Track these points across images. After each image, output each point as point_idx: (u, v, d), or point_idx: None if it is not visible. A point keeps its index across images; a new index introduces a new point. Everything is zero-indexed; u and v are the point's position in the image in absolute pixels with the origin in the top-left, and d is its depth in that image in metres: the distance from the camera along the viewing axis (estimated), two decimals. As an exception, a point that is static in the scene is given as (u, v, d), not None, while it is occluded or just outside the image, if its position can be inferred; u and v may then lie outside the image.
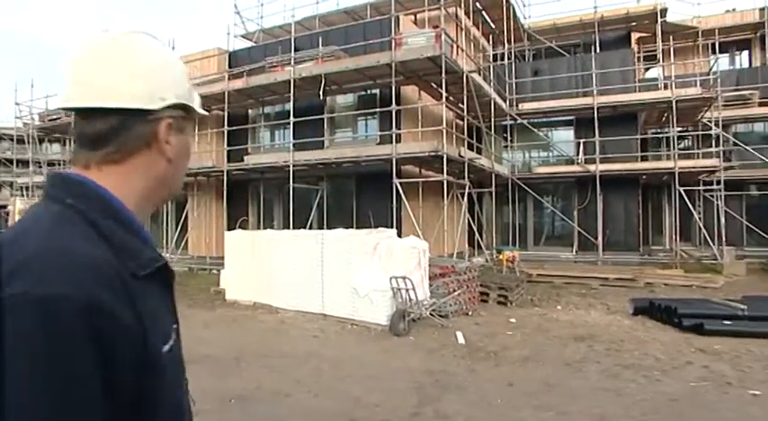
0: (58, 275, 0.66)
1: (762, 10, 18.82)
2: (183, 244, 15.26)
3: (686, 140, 17.73)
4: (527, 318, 8.38)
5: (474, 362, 5.99)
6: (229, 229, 12.01)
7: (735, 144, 16.82)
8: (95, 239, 0.73)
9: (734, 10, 20.02)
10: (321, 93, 12.33)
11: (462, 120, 13.58)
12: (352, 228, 10.45)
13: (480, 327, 7.76)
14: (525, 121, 16.15)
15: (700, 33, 18.11)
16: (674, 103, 14.30)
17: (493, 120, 14.67)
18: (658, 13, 16.83)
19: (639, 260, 14.61)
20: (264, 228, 13.16)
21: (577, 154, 15.76)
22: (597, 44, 17.34)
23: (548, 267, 13.32)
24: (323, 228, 11.78)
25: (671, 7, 17.53)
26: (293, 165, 12.47)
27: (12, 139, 21.82)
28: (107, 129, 0.82)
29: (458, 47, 12.89)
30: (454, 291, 8.54)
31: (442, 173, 11.10)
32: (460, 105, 12.96)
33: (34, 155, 20.51)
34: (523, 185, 15.90)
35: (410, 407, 4.65)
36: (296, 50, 12.92)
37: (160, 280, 0.82)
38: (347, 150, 12.55)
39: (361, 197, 13.24)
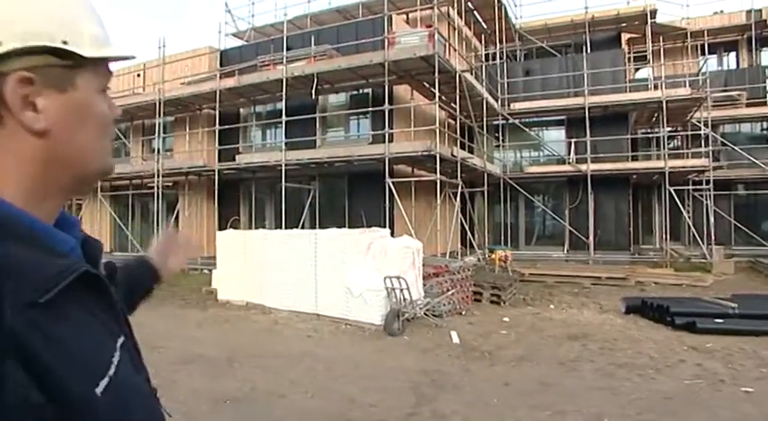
0: None
1: (748, 12, 19.06)
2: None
3: (675, 140, 17.89)
4: (520, 318, 8.40)
5: (469, 362, 5.99)
6: (221, 229, 11.93)
7: (723, 144, 17.00)
8: None
9: (721, 12, 20.23)
10: (313, 92, 12.28)
11: (454, 119, 13.59)
12: (344, 227, 10.40)
13: (474, 327, 7.76)
14: (517, 121, 16.21)
15: (688, 35, 18.29)
16: (664, 104, 14.42)
17: (485, 119, 14.69)
18: (648, 15, 16.97)
19: (630, 259, 14.71)
20: (256, 228, 13.07)
21: (569, 153, 15.83)
22: (588, 44, 17.45)
23: (540, 266, 13.37)
24: (315, 228, 11.74)
25: (660, 8, 17.69)
26: (285, 165, 12.41)
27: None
28: None
29: (450, 46, 12.90)
30: (448, 290, 8.54)
31: (435, 172, 11.09)
32: (453, 105, 12.97)
33: None
34: (515, 185, 15.95)
35: (406, 408, 4.63)
36: (288, 49, 12.86)
37: (85, 292, 0.61)
38: (339, 150, 12.52)
39: (353, 197, 13.21)
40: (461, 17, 15.43)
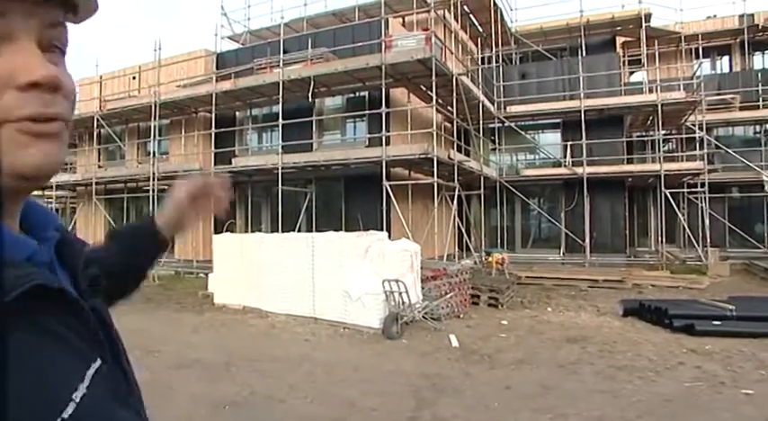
0: None
1: (741, 17, 19.24)
2: (169, 247, 15.00)
3: (670, 143, 17.99)
4: (518, 321, 8.39)
5: (469, 365, 5.96)
6: (216, 233, 11.85)
7: (717, 147, 17.12)
8: None
9: (714, 16, 20.42)
10: (310, 95, 12.26)
11: (451, 122, 13.63)
12: (341, 230, 10.37)
13: (473, 330, 7.74)
14: (513, 124, 16.24)
15: (682, 38, 18.42)
16: (659, 107, 14.49)
17: (481, 122, 14.71)
18: (643, 18, 17.08)
19: (626, 261, 14.76)
20: (252, 232, 13.03)
21: (564, 156, 15.88)
22: (583, 48, 17.53)
23: (536, 269, 13.38)
24: (311, 231, 11.69)
25: (655, 13, 17.81)
26: (282, 168, 12.37)
27: None
28: None
29: (447, 49, 12.92)
30: (446, 293, 8.51)
31: (432, 175, 11.09)
32: (449, 108, 13.00)
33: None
34: (511, 188, 15.97)
35: (407, 411, 4.60)
36: (284, 52, 12.84)
37: (42, 309, 0.48)
38: (336, 153, 12.49)
39: (349, 200, 13.18)
40: (457, 20, 15.48)
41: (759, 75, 18.25)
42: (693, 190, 15.07)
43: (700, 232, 14.62)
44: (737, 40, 19.43)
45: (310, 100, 12.65)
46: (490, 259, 12.42)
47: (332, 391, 5.16)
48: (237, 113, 15.31)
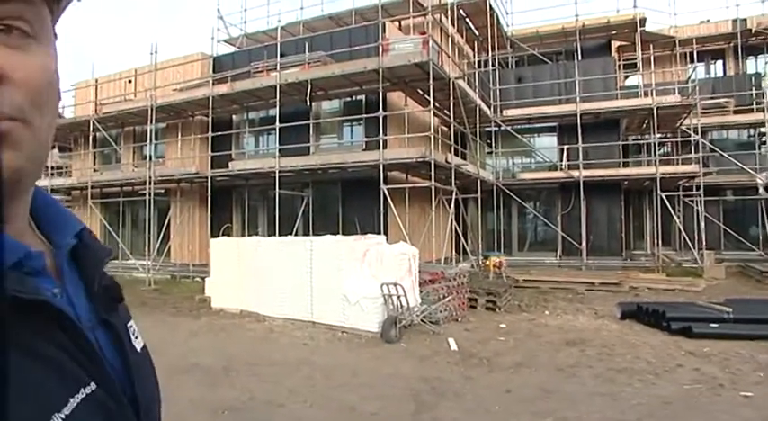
0: None
1: (734, 21, 19.42)
2: (165, 251, 14.98)
3: (666, 147, 18.09)
4: (516, 324, 8.39)
5: (468, 369, 5.96)
6: (213, 237, 11.83)
7: (712, 150, 17.23)
8: None
9: (708, 21, 20.59)
10: (307, 99, 12.26)
11: (448, 126, 13.65)
12: (338, 234, 10.36)
13: (471, 333, 7.74)
14: (509, 128, 16.30)
15: (677, 43, 18.57)
16: (654, 111, 14.58)
17: (477, 126, 14.76)
18: (637, 23, 17.22)
19: (622, 264, 14.81)
20: (249, 235, 12.99)
21: (561, 160, 15.94)
22: (579, 52, 17.65)
23: (534, 272, 13.40)
24: (309, 235, 11.68)
25: (649, 17, 17.97)
26: (279, 172, 12.35)
27: None
28: None
29: (444, 53, 12.96)
30: (444, 297, 8.51)
31: (429, 179, 11.10)
32: (446, 111, 13.02)
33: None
34: (508, 191, 16.01)
35: (407, 415, 4.59)
36: (281, 56, 12.84)
37: (26, 325, 0.44)
38: (333, 156, 12.48)
39: (346, 203, 13.17)
40: (454, 25, 15.53)
41: (752, 78, 18.41)
42: (689, 193, 15.16)
43: (695, 235, 14.70)
44: (731, 45, 19.62)
45: (307, 103, 12.65)
46: (487, 262, 12.45)
47: (331, 395, 5.14)
48: (234, 117, 15.29)
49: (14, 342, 0.41)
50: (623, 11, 18.07)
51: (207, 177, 13.74)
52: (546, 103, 16.11)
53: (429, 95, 11.24)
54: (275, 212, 12.50)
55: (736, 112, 17.70)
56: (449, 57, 13.29)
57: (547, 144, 17.10)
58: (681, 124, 16.19)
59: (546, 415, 4.55)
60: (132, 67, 16.81)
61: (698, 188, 14.82)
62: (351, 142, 13.83)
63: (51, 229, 0.57)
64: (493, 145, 17.10)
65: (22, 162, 0.46)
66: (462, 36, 17.15)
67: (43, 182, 15.02)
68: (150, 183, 14.04)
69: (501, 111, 16.35)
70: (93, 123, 15.57)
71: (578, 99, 15.34)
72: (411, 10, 14.09)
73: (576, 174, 15.08)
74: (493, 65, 17.08)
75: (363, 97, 13.07)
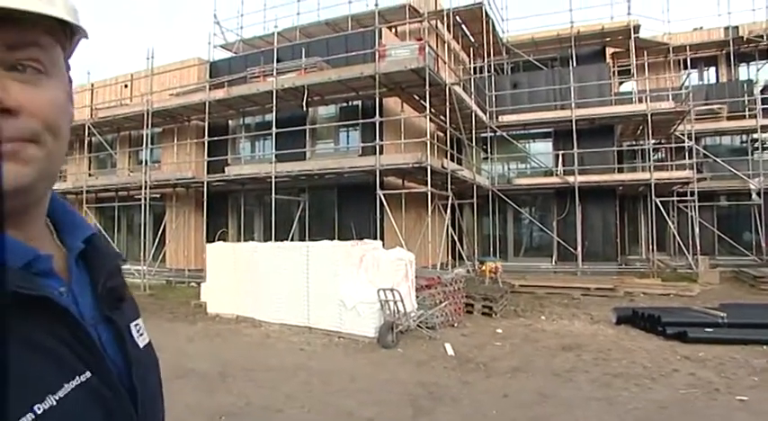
0: None
1: (726, 29, 19.61)
2: (160, 256, 14.93)
3: (660, 152, 18.21)
4: (513, 329, 8.41)
5: (465, 374, 5.96)
6: (209, 242, 11.79)
7: (705, 156, 17.35)
8: None
9: (701, 28, 20.78)
10: (304, 104, 12.29)
11: (444, 131, 13.69)
12: (334, 239, 10.36)
13: (468, 339, 7.75)
14: (505, 133, 16.36)
15: (670, 49, 18.72)
16: (648, 117, 14.68)
17: (473, 131, 14.82)
18: (631, 30, 17.33)
19: (617, 270, 14.86)
20: (245, 240, 12.97)
21: (556, 165, 16.01)
22: (574, 58, 17.75)
23: (529, 278, 13.43)
24: (304, 240, 11.67)
25: (643, 24, 18.09)
26: (275, 177, 12.35)
27: None
28: None
29: (440, 59, 13.03)
30: (441, 302, 8.52)
31: (425, 184, 11.12)
32: (442, 117, 13.07)
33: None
34: (503, 197, 16.06)
35: (405, 420, 4.59)
36: (278, 61, 12.88)
37: (26, 317, 0.50)
38: (329, 161, 12.50)
39: (342, 209, 13.17)
40: (449, 31, 15.62)
41: (745, 85, 18.58)
42: (683, 198, 15.24)
43: (690, 240, 14.78)
44: (723, 52, 19.79)
45: (304, 109, 12.68)
46: (483, 268, 12.47)
47: (328, 401, 5.13)
48: (230, 122, 15.29)
49: (16, 333, 0.48)
50: (617, 18, 18.21)
51: (203, 182, 13.71)
52: (541, 108, 16.19)
53: (425, 101, 11.28)
54: (271, 217, 12.49)
55: (729, 119, 17.83)
56: (445, 63, 13.36)
57: (542, 150, 17.17)
58: (675, 130, 16.32)
59: (543, 419, 4.57)
60: (128, 72, 16.81)
61: (692, 194, 14.90)
62: (347, 147, 13.86)
63: (65, 234, 0.64)
64: (489, 150, 17.15)
65: (33, 175, 0.54)
66: (458, 42, 17.24)
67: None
68: (146, 188, 14.01)
69: (497, 117, 16.42)
70: (89, 128, 15.52)
71: (573, 105, 15.43)
72: (407, 16, 14.19)
73: (571, 179, 15.15)
74: (488, 71, 17.17)
75: (360, 103, 13.11)
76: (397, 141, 12.12)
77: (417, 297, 8.46)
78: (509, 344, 7.36)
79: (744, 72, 20.26)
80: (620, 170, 16.42)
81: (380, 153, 11.47)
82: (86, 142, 16.15)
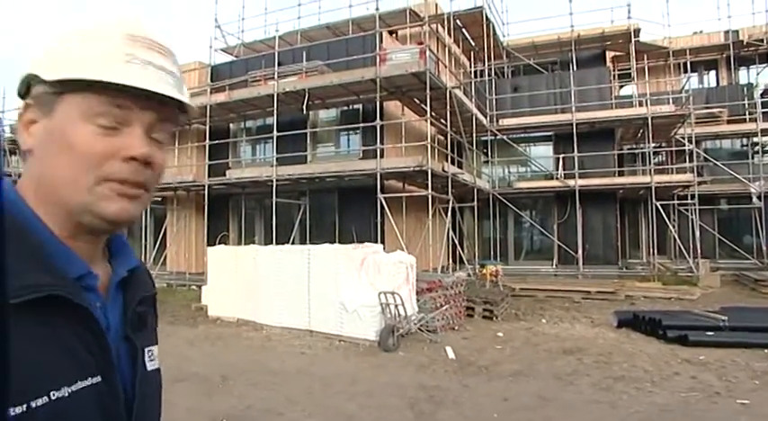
0: None
1: (726, 33, 19.66)
2: (161, 260, 14.93)
3: (660, 156, 18.23)
4: (514, 332, 8.41)
5: (466, 377, 5.96)
6: (209, 245, 11.81)
7: (706, 159, 17.38)
8: None
9: (701, 32, 20.84)
10: (304, 107, 12.32)
11: (444, 135, 13.71)
12: (335, 242, 10.37)
13: (469, 342, 7.75)
14: (505, 137, 16.40)
15: (671, 53, 18.76)
16: (649, 120, 14.70)
17: (474, 135, 14.84)
18: (632, 33, 17.36)
19: (618, 273, 14.85)
20: (246, 244, 12.97)
21: (557, 169, 16.03)
22: (574, 62, 17.79)
23: (530, 281, 13.44)
24: (305, 243, 11.67)
25: (643, 28, 18.11)
26: (276, 180, 12.37)
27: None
28: None
29: (440, 63, 13.07)
30: (441, 305, 8.52)
31: (426, 187, 11.14)
32: (443, 121, 13.11)
33: (6, 169, 19.92)
34: (504, 200, 16.07)
35: (406, 424, 4.59)
36: (278, 65, 12.92)
37: (60, 316, 0.60)
38: (330, 165, 12.52)
39: (343, 212, 13.19)
40: (450, 35, 15.67)
41: (745, 89, 18.62)
42: (683, 202, 15.24)
43: (690, 243, 14.77)
44: (723, 55, 19.84)
45: (304, 112, 12.72)
46: (484, 271, 12.47)
47: (330, 404, 5.13)
48: (231, 125, 15.33)
49: (50, 327, 0.59)
50: (618, 22, 18.23)
51: (204, 185, 13.74)
52: (542, 112, 16.22)
53: (426, 105, 11.31)
54: (272, 221, 12.50)
55: (729, 122, 17.86)
56: (445, 66, 13.40)
57: (543, 153, 17.20)
58: (675, 134, 16.33)
59: (544, 423, 4.57)
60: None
61: (692, 197, 14.91)
62: (348, 151, 13.89)
63: (115, 260, 0.76)
64: (489, 154, 17.19)
65: (138, 214, 0.71)
66: (459, 46, 17.29)
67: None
68: (147, 192, 13.99)
69: (497, 121, 16.45)
70: (90, 131, 15.54)
71: (574, 108, 15.45)
72: (408, 20, 14.23)
73: (571, 183, 15.16)
74: (489, 74, 17.21)
75: (360, 106, 13.14)
76: (398, 145, 12.15)
77: (418, 300, 8.46)
78: (510, 348, 7.36)
79: (744, 76, 20.31)
80: (621, 173, 16.43)
81: (381, 156, 11.49)
82: (88, 145, 16.15)
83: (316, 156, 13.92)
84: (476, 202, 14.35)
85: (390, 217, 11.38)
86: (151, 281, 0.84)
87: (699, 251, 14.65)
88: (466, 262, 14.59)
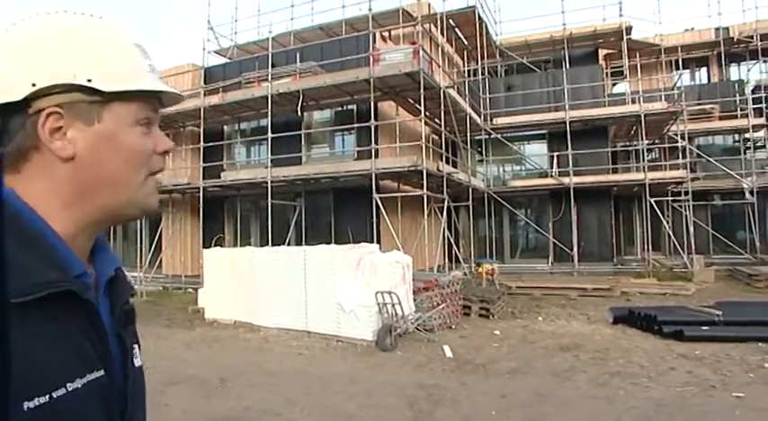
0: None
1: (717, 30, 19.80)
2: (157, 263, 14.89)
3: (654, 153, 18.33)
4: (510, 330, 8.44)
5: (463, 376, 5.98)
6: (205, 247, 11.78)
7: (699, 156, 17.49)
8: None
9: (692, 29, 20.96)
10: (299, 109, 12.32)
11: (438, 134, 13.75)
12: (330, 243, 10.38)
13: (466, 340, 7.77)
14: (499, 136, 16.44)
15: (662, 50, 18.86)
16: (642, 117, 14.78)
17: (468, 134, 14.88)
18: (624, 31, 17.44)
19: (613, 270, 14.92)
20: (241, 246, 12.96)
21: (551, 167, 16.09)
22: (567, 60, 17.86)
23: (526, 279, 13.49)
24: (301, 245, 11.67)
25: (635, 26, 18.21)
26: (271, 181, 12.37)
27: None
28: None
29: (434, 63, 13.09)
30: (438, 304, 8.54)
31: (421, 187, 11.16)
32: (437, 120, 13.13)
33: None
34: (499, 199, 16.11)
35: (405, 423, 4.61)
36: (272, 66, 12.91)
37: (67, 312, 0.63)
38: (325, 166, 12.53)
39: (339, 212, 13.19)
40: (443, 34, 15.70)
41: (736, 85, 18.75)
42: (677, 198, 15.33)
43: (684, 239, 14.85)
44: (714, 52, 19.96)
45: (299, 113, 12.71)
46: (480, 270, 12.49)
47: (329, 404, 5.14)
48: (226, 127, 15.30)
49: (60, 324, 0.62)
50: (610, 19, 18.32)
51: (199, 188, 13.71)
52: (535, 110, 16.28)
53: (420, 104, 11.33)
54: (267, 222, 12.49)
55: (721, 118, 17.99)
56: (439, 66, 13.43)
57: (537, 151, 17.26)
58: (668, 130, 16.43)
59: (542, 419, 4.59)
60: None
61: (686, 193, 14.99)
62: (342, 152, 13.89)
63: (97, 261, 0.77)
64: (483, 153, 17.23)
65: None
66: (452, 45, 17.33)
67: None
68: (141, 195, 13.94)
69: (491, 120, 16.50)
70: (84, 135, 15.47)
71: (567, 106, 15.52)
72: (401, 20, 14.25)
73: (566, 180, 15.22)
74: (482, 73, 17.26)
75: (355, 107, 13.15)
76: (393, 145, 12.17)
77: (415, 299, 8.48)
78: (507, 346, 7.39)
79: (735, 72, 20.44)
80: (615, 171, 16.51)
81: (376, 157, 11.50)
82: (81, 149, 16.08)
83: (310, 157, 13.92)
84: (471, 201, 14.38)
85: (386, 217, 11.40)
86: (129, 279, 0.88)
87: (693, 247, 14.74)
88: (462, 261, 14.62)
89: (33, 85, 0.66)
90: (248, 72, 13.74)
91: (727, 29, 19.61)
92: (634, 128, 16.29)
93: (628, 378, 5.66)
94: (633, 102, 15.80)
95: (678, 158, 15.73)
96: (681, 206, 15.44)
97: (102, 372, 0.65)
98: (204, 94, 13.80)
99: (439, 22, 15.02)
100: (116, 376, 0.70)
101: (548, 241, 16.03)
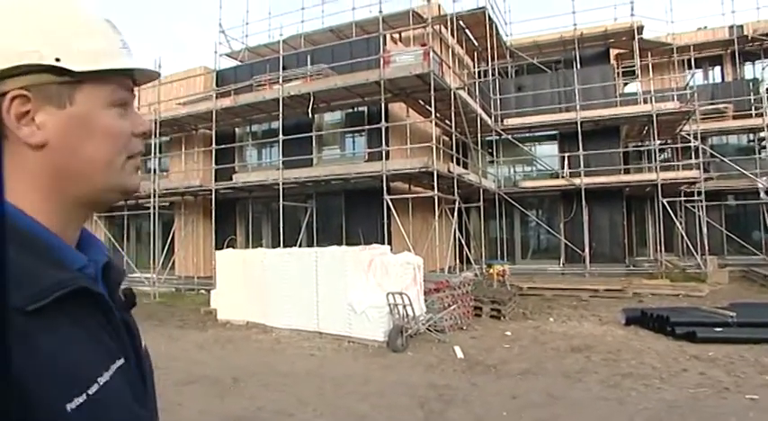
0: None
1: (731, 28, 19.58)
2: (170, 264, 15.05)
3: (666, 153, 18.18)
4: (522, 331, 8.43)
5: (475, 376, 6.00)
6: (217, 249, 11.90)
7: (712, 156, 17.31)
8: None
9: (705, 28, 20.75)
10: (310, 111, 12.41)
11: (449, 136, 13.76)
12: (342, 245, 10.43)
13: (477, 341, 7.78)
14: (510, 137, 16.41)
15: (675, 50, 18.70)
16: (654, 117, 14.68)
17: (479, 135, 14.87)
18: (635, 31, 17.30)
19: (625, 271, 14.82)
20: (253, 247, 13.07)
21: (562, 168, 16.02)
22: (578, 60, 17.78)
23: (537, 280, 13.44)
24: (312, 246, 11.74)
25: (647, 25, 18.06)
26: (282, 183, 12.46)
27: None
28: None
29: (444, 64, 13.11)
30: (449, 305, 8.56)
31: (432, 189, 11.19)
32: (447, 121, 13.14)
33: None
34: (510, 200, 16.08)
35: (416, 423, 4.64)
36: (283, 69, 13.01)
37: (83, 308, 0.62)
38: (336, 167, 12.60)
39: (350, 214, 13.25)
40: (453, 35, 15.71)
41: (750, 84, 18.54)
42: (690, 198, 15.20)
43: (698, 240, 14.71)
44: (728, 51, 19.75)
45: (310, 115, 12.79)
46: (491, 271, 12.48)
47: (341, 405, 5.19)
48: (237, 130, 15.44)
49: (81, 321, 0.61)
50: (621, 19, 18.20)
51: (211, 190, 13.85)
52: (546, 111, 16.23)
53: (430, 106, 11.36)
54: (279, 224, 12.58)
55: (735, 118, 17.81)
56: (449, 67, 13.45)
57: (548, 152, 17.20)
58: (680, 130, 16.29)
59: (553, 420, 4.60)
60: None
61: (699, 193, 14.85)
62: (353, 153, 13.96)
63: (87, 248, 0.73)
64: (494, 154, 17.21)
65: None
66: (462, 46, 17.33)
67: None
68: (155, 197, 14.16)
69: (502, 121, 16.48)
70: (98, 138, 15.68)
71: (578, 107, 15.46)
72: (411, 22, 14.28)
73: (577, 181, 15.15)
74: (493, 74, 17.23)
75: (365, 109, 13.20)
76: (403, 146, 12.20)
77: (426, 300, 8.51)
78: (518, 347, 7.39)
79: (749, 71, 20.21)
80: (627, 171, 16.40)
81: (387, 158, 11.55)
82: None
83: (321, 158, 14.00)
84: (482, 202, 14.37)
85: (397, 218, 11.44)
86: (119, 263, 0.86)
87: (706, 247, 14.59)
88: (473, 262, 14.61)
89: None
90: (259, 75, 13.86)
91: (742, 27, 19.37)
92: (646, 128, 16.19)
93: (640, 379, 5.64)
94: (645, 101, 15.69)
95: (691, 158, 15.60)
96: (694, 206, 15.30)
97: (123, 360, 0.66)
98: (216, 97, 13.94)
99: (449, 24, 15.04)
100: (132, 360, 0.70)
101: (559, 242, 15.97)
